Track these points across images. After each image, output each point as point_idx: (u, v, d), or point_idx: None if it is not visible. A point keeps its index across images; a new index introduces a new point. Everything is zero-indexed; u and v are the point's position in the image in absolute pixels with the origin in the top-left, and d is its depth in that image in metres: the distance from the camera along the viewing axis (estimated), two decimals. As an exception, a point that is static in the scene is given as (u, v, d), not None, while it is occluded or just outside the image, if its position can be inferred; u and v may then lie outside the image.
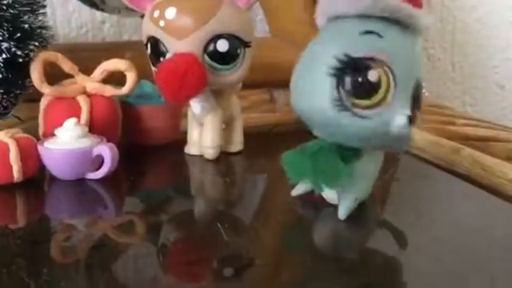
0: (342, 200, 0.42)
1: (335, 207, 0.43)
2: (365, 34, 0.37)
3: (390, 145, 0.40)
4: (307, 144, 0.41)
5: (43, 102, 0.56)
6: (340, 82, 0.37)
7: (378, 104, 0.37)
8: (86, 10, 0.83)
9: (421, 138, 0.62)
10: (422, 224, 0.43)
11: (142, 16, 0.56)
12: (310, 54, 0.40)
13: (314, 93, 0.38)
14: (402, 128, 0.37)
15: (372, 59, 0.37)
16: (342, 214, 0.42)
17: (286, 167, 0.41)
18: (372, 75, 0.36)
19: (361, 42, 0.37)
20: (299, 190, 0.45)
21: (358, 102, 0.37)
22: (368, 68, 0.36)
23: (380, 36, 0.37)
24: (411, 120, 0.37)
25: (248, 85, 0.62)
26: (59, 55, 0.55)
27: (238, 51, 0.53)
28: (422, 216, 0.45)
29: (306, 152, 0.40)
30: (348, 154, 0.40)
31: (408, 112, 0.37)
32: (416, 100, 0.39)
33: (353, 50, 0.37)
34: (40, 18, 0.55)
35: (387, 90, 0.37)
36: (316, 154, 0.40)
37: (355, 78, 0.37)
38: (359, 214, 0.43)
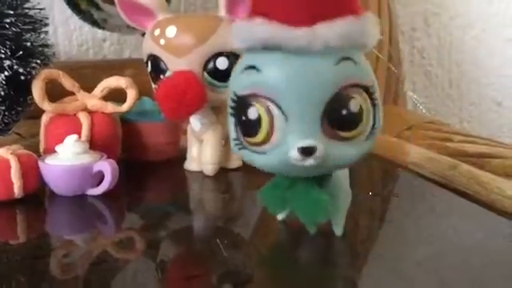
0: (333, 220, 0.41)
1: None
2: (245, 70, 0.36)
3: (321, 169, 0.37)
4: (275, 181, 0.41)
5: (44, 119, 0.57)
6: (235, 122, 0.37)
7: (265, 141, 0.36)
8: (87, 27, 0.84)
9: (418, 154, 0.63)
10: (421, 239, 0.43)
11: (143, 34, 0.57)
12: None
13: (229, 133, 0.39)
14: (300, 161, 0.35)
15: (252, 95, 0.36)
16: (338, 231, 0.41)
17: (265, 203, 0.42)
18: (251, 113, 0.36)
19: (243, 78, 0.37)
20: (283, 214, 0.44)
21: (248, 139, 0.37)
22: (248, 106, 0.36)
23: (258, 70, 0.35)
24: (309, 150, 0.34)
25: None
26: (60, 73, 0.55)
27: (238, 69, 0.54)
28: (420, 231, 0.45)
29: (280, 186, 0.40)
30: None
31: (302, 143, 0.34)
32: (334, 119, 0.35)
33: (238, 88, 0.37)
34: (42, 36, 0.56)
35: (271, 125, 0.35)
36: (293, 187, 0.39)
37: (240, 118, 0.37)
38: (356, 227, 0.44)
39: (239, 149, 0.38)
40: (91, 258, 0.40)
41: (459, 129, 0.77)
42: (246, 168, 0.60)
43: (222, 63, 0.53)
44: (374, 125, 0.37)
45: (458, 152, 0.61)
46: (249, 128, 0.36)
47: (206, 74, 0.53)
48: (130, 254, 0.42)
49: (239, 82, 0.37)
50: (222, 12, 0.54)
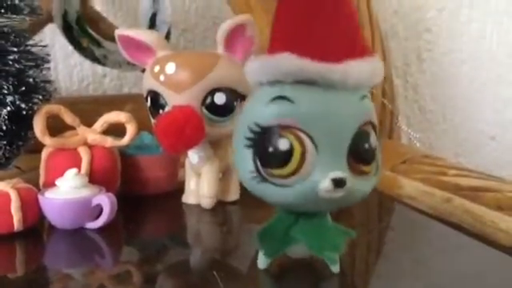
0: (327, 259, 0.41)
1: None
2: (274, 101, 0.36)
3: (339, 203, 0.37)
4: (279, 217, 0.41)
5: (45, 153, 0.57)
6: (255, 153, 0.36)
7: (294, 172, 0.35)
8: (88, 64, 0.86)
9: (413, 187, 0.63)
10: (417, 272, 0.44)
11: (143, 70, 0.58)
12: (237, 123, 0.40)
13: (239, 165, 0.38)
14: (330, 192, 0.35)
15: (282, 126, 0.35)
16: (335, 269, 0.41)
17: (262, 245, 0.41)
18: (282, 144, 0.35)
19: (270, 109, 0.36)
20: (266, 262, 0.42)
21: (273, 172, 0.36)
22: (278, 136, 0.35)
23: (290, 101, 0.35)
24: (341, 181, 0.35)
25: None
26: (61, 108, 0.56)
27: (235, 104, 0.55)
28: (416, 264, 0.45)
29: (283, 223, 0.40)
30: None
31: (334, 175, 0.35)
32: (358, 153, 0.36)
33: (263, 119, 0.36)
34: (44, 72, 0.57)
35: (303, 156, 0.35)
36: (297, 223, 0.40)
37: (266, 149, 0.36)
38: (353, 261, 0.44)
39: (258, 182, 0.37)
40: (89, 291, 0.41)
41: (453, 163, 0.78)
42: (244, 201, 0.61)
43: (219, 98, 0.54)
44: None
45: (452, 186, 0.61)
46: (277, 159, 0.35)
47: (204, 108, 0.54)
48: (128, 287, 0.42)
49: (264, 113, 0.36)
50: (220, 49, 0.56)
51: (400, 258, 0.47)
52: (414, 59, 1.03)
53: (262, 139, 0.36)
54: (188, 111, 0.52)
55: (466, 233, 0.52)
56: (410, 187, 0.63)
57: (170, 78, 0.54)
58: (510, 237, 0.50)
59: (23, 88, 0.53)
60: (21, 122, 0.54)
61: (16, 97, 0.53)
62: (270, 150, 0.36)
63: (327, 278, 0.42)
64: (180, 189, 0.62)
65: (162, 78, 0.54)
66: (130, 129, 0.58)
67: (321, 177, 0.35)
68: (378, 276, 0.44)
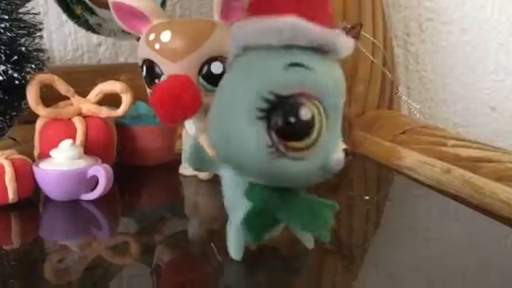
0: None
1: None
2: (290, 67, 0.32)
3: (323, 176, 0.35)
4: (261, 200, 0.37)
5: (39, 124, 0.57)
6: (270, 126, 0.32)
7: (313, 143, 0.33)
8: (82, 32, 0.84)
9: (412, 158, 0.63)
10: (416, 244, 0.44)
11: (138, 39, 0.57)
12: (228, 92, 0.35)
13: (242, 140, 0.33)
14: (341, 163, 0.34)
15: (302, 95, 0.32)
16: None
17: (249, 230, 0.38)
18: (304, 114, 0.32)
19: (288, 76, 0.32)
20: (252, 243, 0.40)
21: (292, 144, 0.32)
22: (299, 106, 0.32)
23: (307, 68, 0.32)
24: (347, 151, 0.34)
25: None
26: (55, 77, 0.55)
27: (232, 73, 0.54)
28: (415, 235, 0.45)
29: (271, 206, 0.37)
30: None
31: (344, 145, 0.34)
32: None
33: (280, 87, 0.32)
34: (36, 40, 0.56)
35: (321, 127, 0.33)
36: (286, 204, 0.37)
37: (287, 119, 0.32)
38: (351, 232, 0.44)
39: (274, 157, 0.33)
40: (85, 263, 0.40)
41: (453, 133, 0.77)
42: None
43: (216, 68, 0.53)
44: None
45: (451, 156, 0.61)
46: (299, 130, 0.32)
47: (200, 78, 0.53)
48: (125, 258, 0.42)
49: (281, 80, 0.32)
50: (217, 17, 0.54)
51: (398, 228, 0.47)
52: (415, 29, 1.01)
53: (280, 109, 0.32)
54: (184, 80, 0.51)
55: (466, 204, 0.52)
56: (409, 158, 0.62)
57: (166, 47, 0.53)
58: (511, 208, 0.50)
59: (15, 57, 0.52)
60: (14, 92, 0.53)
61: (8, 66, 0.52)
62: (292, 120, 0.32)
63: (324, 247, 0.41)
64: (177, 160, 0.62)
65: (157, 46, 0.53)
66: (126, 99, 0.57)
67: (334, 148, 0.34)
68: (376, 246, 0.44)
